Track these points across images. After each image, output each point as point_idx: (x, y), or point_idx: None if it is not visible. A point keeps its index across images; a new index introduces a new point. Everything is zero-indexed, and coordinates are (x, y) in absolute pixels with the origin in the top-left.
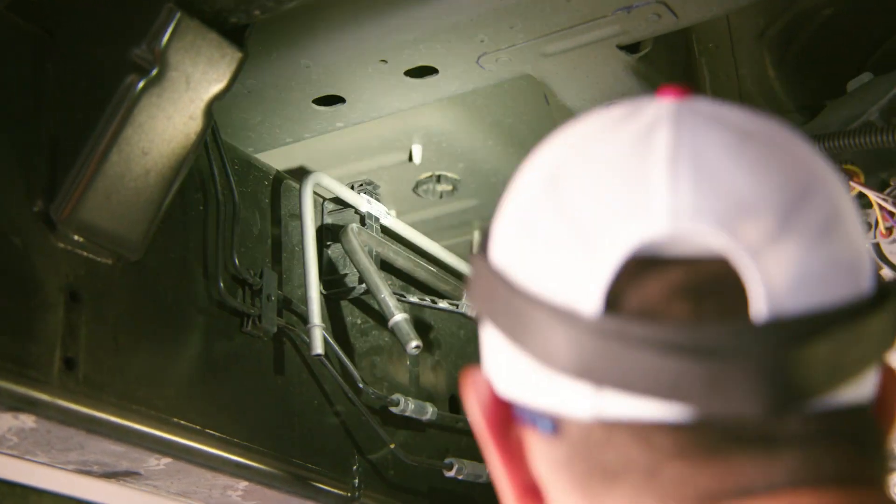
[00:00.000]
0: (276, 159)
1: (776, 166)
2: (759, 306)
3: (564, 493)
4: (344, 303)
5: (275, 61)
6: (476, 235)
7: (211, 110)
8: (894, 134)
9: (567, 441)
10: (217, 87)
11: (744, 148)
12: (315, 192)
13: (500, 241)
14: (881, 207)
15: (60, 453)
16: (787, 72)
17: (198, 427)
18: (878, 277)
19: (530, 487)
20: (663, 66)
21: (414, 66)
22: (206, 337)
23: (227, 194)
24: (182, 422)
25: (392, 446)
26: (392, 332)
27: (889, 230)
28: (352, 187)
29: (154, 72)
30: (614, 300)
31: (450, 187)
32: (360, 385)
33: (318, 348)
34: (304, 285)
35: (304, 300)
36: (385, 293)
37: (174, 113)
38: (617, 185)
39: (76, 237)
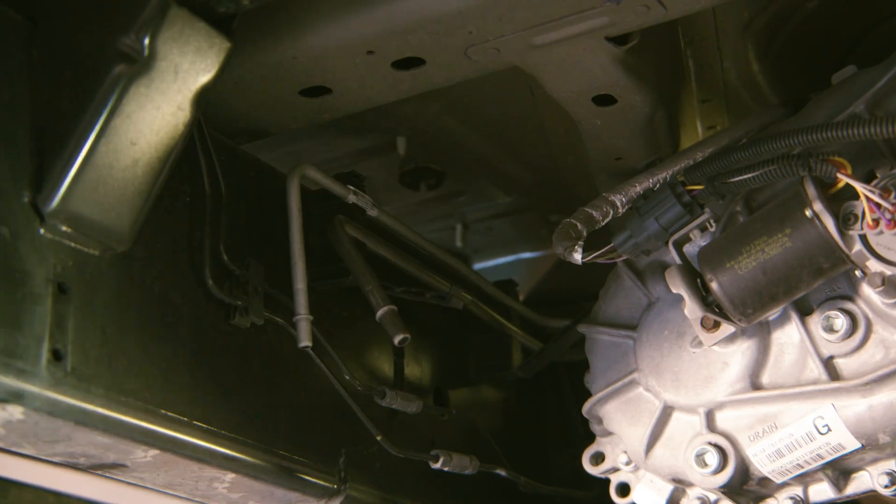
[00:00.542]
0: (263, 151)
1: None
2: None
3: None
4: (331, 294)
5: (262, 52)
6: (459, 228)
7: (199, 101)
8: (881, 126)
9: None
10: (205, 78)
11: None
12: (301, 184)
13: None
14: (868, 199)
15: (47, 445)
16: (772, 64)
17: (185, 419)
18: None
19: None
20: (650, 58)
21: (401, 57)
22: (194, 328)
23: (214, 186)
24: (169, 413)
25: (378, 438)
26: (380, 323)
27: (876, 221)
28: (338, 179)
29: (142, 61)
30: None
31: (434, 179)
32: (347, 377)
33: (305, 340)
34: (290, 277)
35: (291, 292)
36: (372, 285)
37: (162, 103)
38: None
39: (64, 228)
